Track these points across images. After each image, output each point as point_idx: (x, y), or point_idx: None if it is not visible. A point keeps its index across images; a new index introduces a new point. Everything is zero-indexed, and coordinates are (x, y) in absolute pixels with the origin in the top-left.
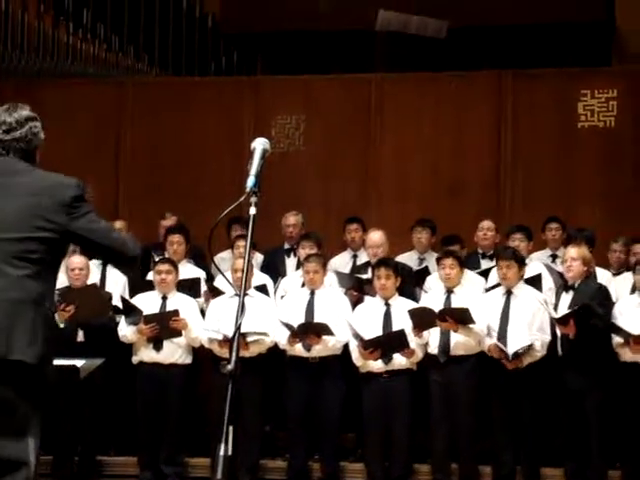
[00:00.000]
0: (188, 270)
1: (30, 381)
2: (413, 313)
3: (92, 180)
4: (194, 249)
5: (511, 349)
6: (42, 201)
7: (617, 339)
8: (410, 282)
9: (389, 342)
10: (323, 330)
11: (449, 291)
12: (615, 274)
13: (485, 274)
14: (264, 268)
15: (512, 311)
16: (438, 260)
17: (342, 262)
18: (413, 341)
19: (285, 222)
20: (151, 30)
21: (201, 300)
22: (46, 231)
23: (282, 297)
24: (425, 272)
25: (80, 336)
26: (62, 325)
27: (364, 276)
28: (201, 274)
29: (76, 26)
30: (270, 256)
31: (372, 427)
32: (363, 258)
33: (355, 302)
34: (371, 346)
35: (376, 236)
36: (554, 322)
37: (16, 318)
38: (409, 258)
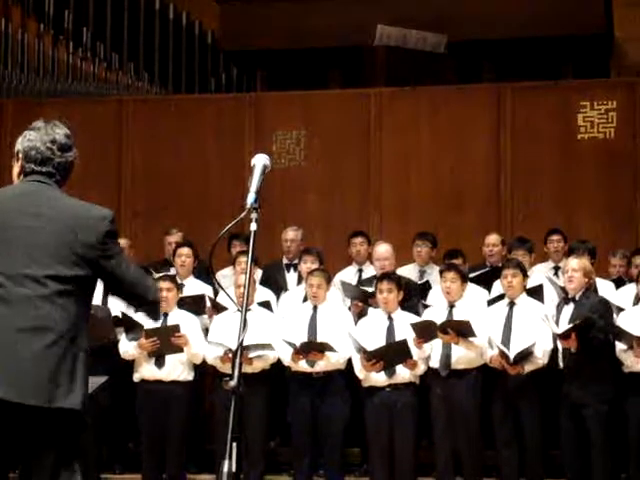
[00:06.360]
0: (195, 285)
1: (73, 425)
2: (415, 326)
3: (94, 198)
4: (202, 266)
5: (513, 353)
6: (76, 237)
7: (621, 345)
8: (414, 296)
9: (391, 353)
10: (325, 348)
11: (451, 305)
12: (617, 286)
13: (485, 280)
14: (263, 282)
15: (515, 322)
16: (441, 273)
17: (348, 276)
18: (416, 353)
19: (284, 237)
20: (151, 48)
21: (205, 317)
22: (79, 267)
23: (284, 313)
24: (426, 286)
25: None
26: None
27: (370, 289)
28: (207, 290)
29: (76, 45)
30: (269, 271)
31: (376, 441)
32: (368, 272)
33: (359, 313)
34: (374, 357)
35: (383, 249)
36: (556, 337)
37: (54, 360)
38: (410, 271)
